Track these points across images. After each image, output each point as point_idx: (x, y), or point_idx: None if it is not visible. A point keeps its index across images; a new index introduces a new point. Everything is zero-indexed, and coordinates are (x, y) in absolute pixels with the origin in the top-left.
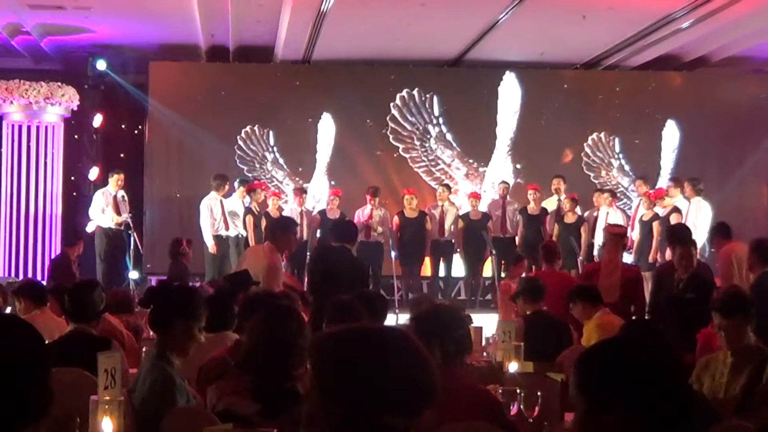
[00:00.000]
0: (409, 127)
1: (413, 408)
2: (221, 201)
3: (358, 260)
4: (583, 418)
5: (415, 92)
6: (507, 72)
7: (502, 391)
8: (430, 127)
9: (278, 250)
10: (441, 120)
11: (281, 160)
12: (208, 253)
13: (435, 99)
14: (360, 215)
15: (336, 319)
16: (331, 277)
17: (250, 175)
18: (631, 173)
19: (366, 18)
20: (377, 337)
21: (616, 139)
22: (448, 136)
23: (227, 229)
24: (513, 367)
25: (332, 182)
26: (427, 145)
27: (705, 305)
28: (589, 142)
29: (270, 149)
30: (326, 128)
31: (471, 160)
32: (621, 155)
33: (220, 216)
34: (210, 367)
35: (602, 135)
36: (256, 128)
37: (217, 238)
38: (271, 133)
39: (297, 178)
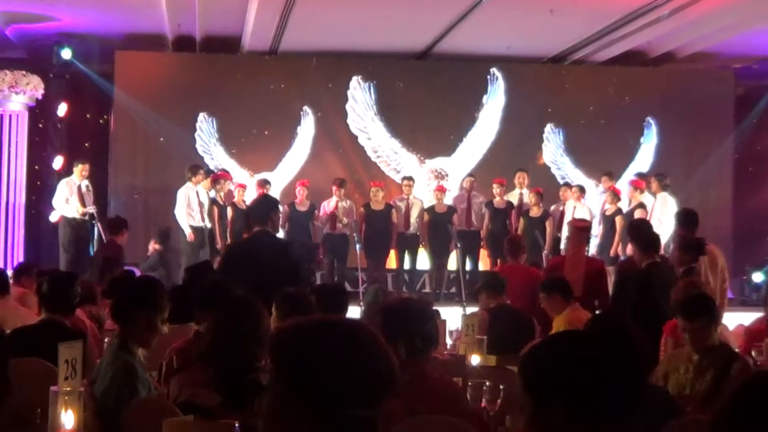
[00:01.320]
0: (362, 119)
1: (373, 399)
2: (197, 192)
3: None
4: (530, 414)
5: (368, 83)
6: (474, 65)
7: (471, 384)
8: (377, 118)
9: None
10: (392, 112)
11: (240, 151)
12: (185, 243)
13: (389, 90)
14: (326, 207)
15: (286, 312)
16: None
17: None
18: (593, 168)
19: (333, 9)
20: (335, 329)
21: (580, 134)
22: (392, 129)
23: (203, 220)
24: (475, 360)
25: (299, 174)
26: (376, 137)
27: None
28: (553, 136)
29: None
30: (293, 120)
31: (419, 154)
32: (584, 150)
33: (197, 206)
34: (172, 359)
35: (566, 129)
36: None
37: (194, 229)
38: (234, 123)
39: (260, 170)
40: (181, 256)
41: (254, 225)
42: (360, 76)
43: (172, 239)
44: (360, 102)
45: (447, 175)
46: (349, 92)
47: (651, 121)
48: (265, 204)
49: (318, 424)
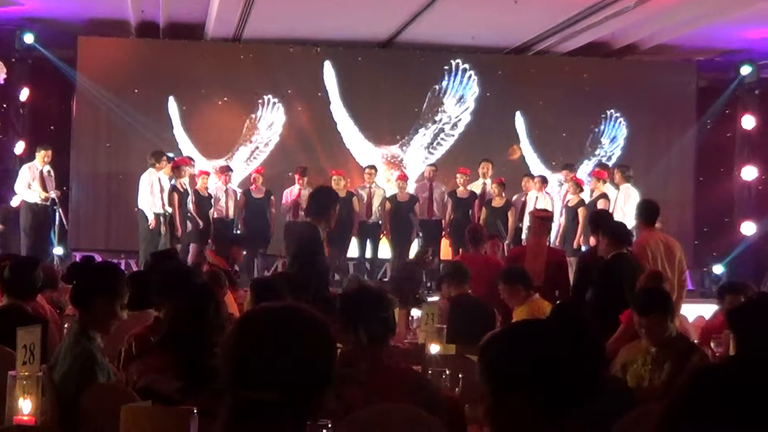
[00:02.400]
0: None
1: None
2: (159, 178)
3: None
4: (489, 402)
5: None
6: (436, 54)
7: (431, 373)
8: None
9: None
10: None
11: (203, 138)
12: (144, 230)
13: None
14: (288, 195)
15: (258, 299)
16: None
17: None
18: (556, 160)
19: None
20: (261, 315)
21: (544, 125)
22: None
23: (164, 206)
24: (435, 349)
25: (261, 161)
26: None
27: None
28: (519, 127)
29: (195, 127)
30: (257, 107)
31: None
32: (547, 141)
33: (159, 193)
34: (131, 345)
35: (530, 120)
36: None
37: (155, 215)
38: (197, 110)
39: (222, 157)
40: (140, 242)
41: (311, 216)
42: (329, 62)
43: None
44: (323, 89)
45: (402, 161)
46: (316, 79)
47: (613, 112)
48: (327, 197)
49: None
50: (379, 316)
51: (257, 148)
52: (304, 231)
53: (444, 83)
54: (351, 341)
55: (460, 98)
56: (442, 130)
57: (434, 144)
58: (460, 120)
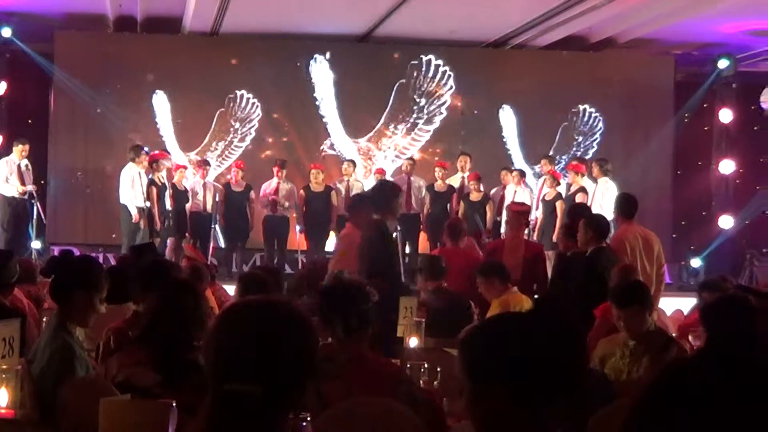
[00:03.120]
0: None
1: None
2: (139, 172)
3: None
4: (469, 395)
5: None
6: (415, 49)
7: (410, 366)
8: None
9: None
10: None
11: (179, 132)
12: (126, 224)
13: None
14: (266, 189)
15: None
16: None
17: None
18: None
19: None
20: (243, 309)
21: (522, 119)
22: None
23: (145, 201)
24: (413, 342)
25: (238, 155)
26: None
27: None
28: (498, 120)
29: (173, 121)
30: (233, 101)
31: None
32: (524, 134)
33: (140, 187)
34: (109, 339)
35: (507, 113)
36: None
37: (138, 210)
38: (175, 104)
39: (198, 151)
40: (122, 236)
41: (375, 211)
42: (317, 56)
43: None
44: (301, 83)
45: (375, 156)
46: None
47: (587, 107)
48: (388, 190)
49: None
50: (357, 309)
51: (232, 142)
52: (373, 231)
53: (420, 77)
54: (330, 335)
55: (434, 93)
56: (415, 125)
57: (409, 139)
58: (435, 115)
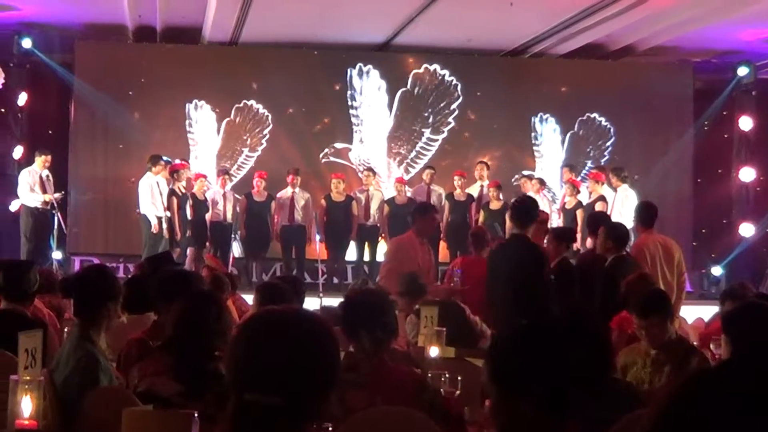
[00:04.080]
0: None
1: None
2: (158, 182)
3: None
4: (495, 403)
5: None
6: (431, 56)
7: (431, 376)
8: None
9: (418, 234)
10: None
11: (205, 142)
12: (148, 233)
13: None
14: (281, 198)
15: (263, 302)
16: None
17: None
18: (555, 162)
19: (293, 1)
20: (265, 319)
21: (541, 127)
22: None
23: (165, 210)
24: (434, 351)
25: (257, 164)
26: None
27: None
28: (515, 129)
29: (193, 130)
30: (251, 111)
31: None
32: (545, 143)
33: (159, 197)
34: (131, 349)
35: (527, 122)
36: (186, 109)
37: (157, 219)
38: (194, 114)
39: (222, 161)
40: (142, 246)
41: (514, 227)
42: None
43: None
44: (317, 92)
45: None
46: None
47: (609, 114)
48: (530, 206)
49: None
50: (381, 319)
51: (242, 152)
52: (520, 247)
53: (438, 86)
54: (353, 345)
55: (441, 103)
56: (422, 134)
57: (417, 150)
58: (444, 125)
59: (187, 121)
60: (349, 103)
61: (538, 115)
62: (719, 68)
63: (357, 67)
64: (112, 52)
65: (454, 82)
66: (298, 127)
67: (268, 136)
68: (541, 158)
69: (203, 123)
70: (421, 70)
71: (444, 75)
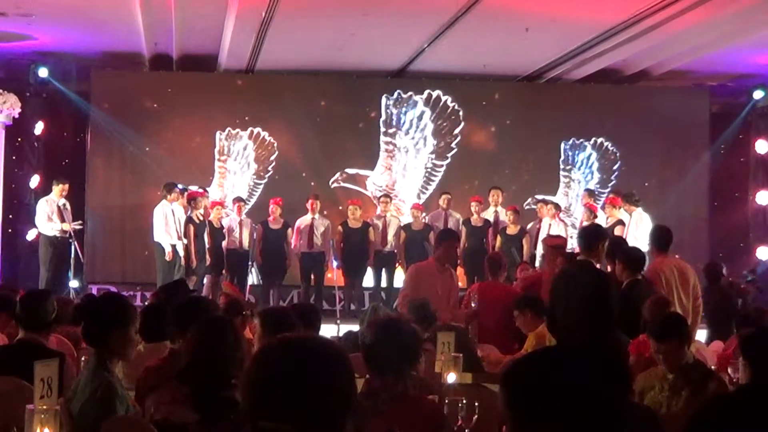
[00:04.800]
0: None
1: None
2: (173, 209)
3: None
4: (512, 430)
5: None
6: (449, 83)
7: (448, 402)
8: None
9: (439, 260)
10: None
11: (221, 170)
12: (162, 261)
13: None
14: (300, 225)
15: (269, 331)
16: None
17: (182, 185)
18: (573, 186)
19: (309, 28)
20: (280, 347)
21: (559, 151)
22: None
23: (180, 238)
24: (451, 378)
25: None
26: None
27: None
28: (532, 154)
29: (212, 158)
30: (269, 138)
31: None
32: (564, 168)
33: (173, 224)
34: (148, 377)
35: (546, 147)
36: (198, 138)
37: (173, 247)
38: (213, 141)
39: (234, 188)
40: (157, 274)
41: (582, 252)
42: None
43: None
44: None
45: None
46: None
47: (625, 138)
48: (596, 233)
49: None
50: (405, 349)
51: (270, 178)
52: (590, 273)
53: (454, 111)
54: (372, 372)
55: (470, 125)
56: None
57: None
58: (455, 150)
59: (212, 148)
60: (370, 128)
61: (558, 140)
62: (735, 92)
63: (377, 93)
64: (128, 80)
65: (456, 107)
66: (312, 154)
67: (275, 164)
68: (565, 182)
69: (221, 150)
70: (432, 95)
71: (447, 100)
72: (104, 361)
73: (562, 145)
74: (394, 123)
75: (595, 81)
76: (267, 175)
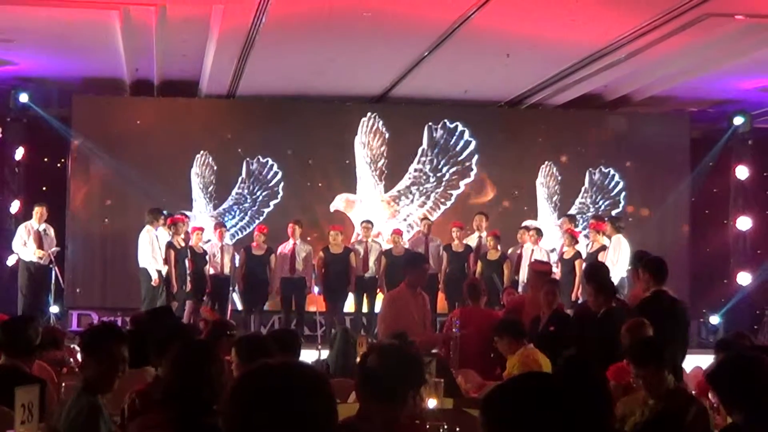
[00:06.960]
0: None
1: None
2: (158, 236)
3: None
4: None
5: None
6: (429, 109)
7: (429, 427)
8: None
9: (410, 286)
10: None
11: (202, 195)
12: (147, 286)
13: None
14: (283, 250)
15: (246, 357)
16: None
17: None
18: (552, 211)
19: (290, 53)
20: (261, 372)
21: (539, 177)
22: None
23: (164, 263)
24: (432, 403)
25: (257, 218)
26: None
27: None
28: (512, 180)
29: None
30: (249, 163)
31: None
32: (543, 193)
33: (159, 250)
34: (134, 402)
35: (525, 173)
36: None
37: (159, 273)
38: (194, 167)
39: (216, 214)
40: (142, 299)
41: (655, 283)
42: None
43: None
44: (318, 145)
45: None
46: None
47: (606, 164)
48: (664, 262)
49: None
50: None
51: (254, 205)
52: (676, 303)
53: (434, 137)
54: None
55: (455, 156)
56: (437, 186)
57: (432, 202)
58: (458, 179)
59: (189, 172)
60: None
61: (539, 166)
62: (715, 117)
63: (357, 117)
64: (109, 106)
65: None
66: (294, 180)
67: (267, 192)
68: (541, 208)
69: (203, 175)
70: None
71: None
72: (90, 385)
73: (542, 170)
74: (376, 148)
75: (577, 107)
76: (251, 200)
